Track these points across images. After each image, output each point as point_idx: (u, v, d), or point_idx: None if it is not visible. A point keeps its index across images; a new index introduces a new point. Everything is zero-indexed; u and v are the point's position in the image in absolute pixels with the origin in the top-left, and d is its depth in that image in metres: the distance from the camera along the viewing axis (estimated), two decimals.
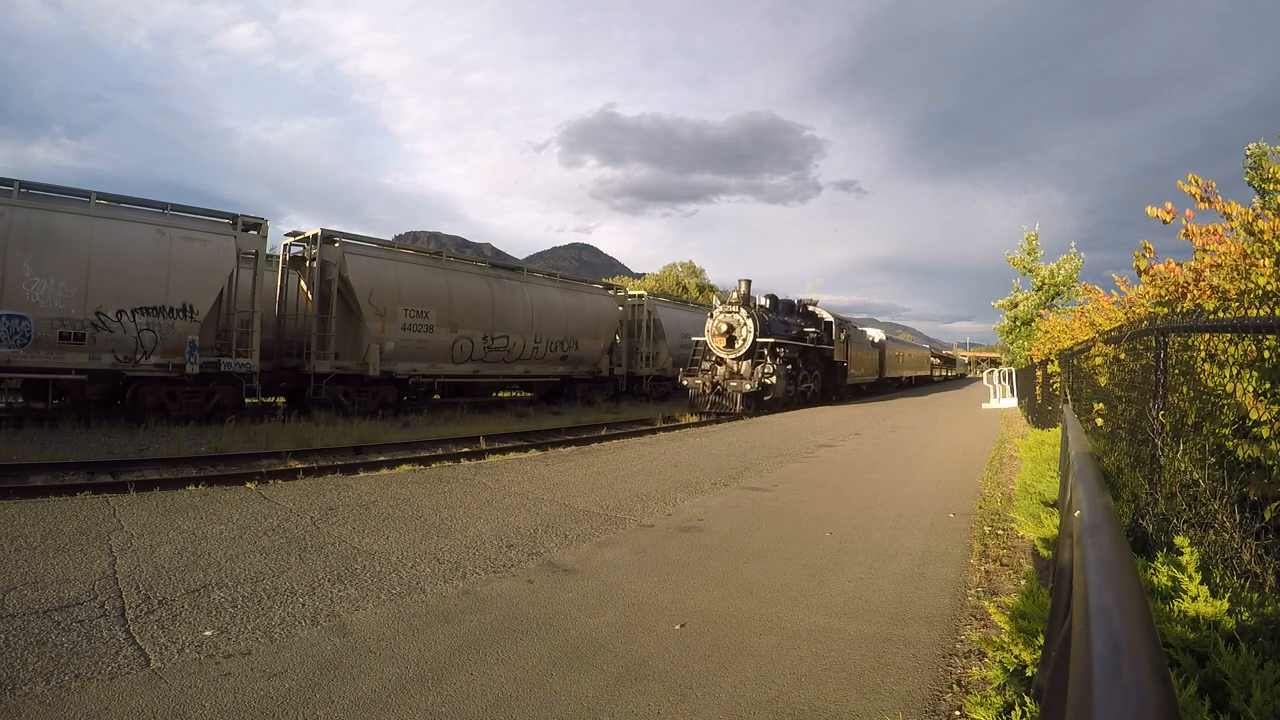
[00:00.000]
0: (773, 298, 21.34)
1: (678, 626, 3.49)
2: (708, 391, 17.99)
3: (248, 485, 6.56)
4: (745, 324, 18.54)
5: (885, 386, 34.46)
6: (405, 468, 8.09)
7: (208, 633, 3.20)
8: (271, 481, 6.79)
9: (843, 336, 24.91)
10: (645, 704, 2.71)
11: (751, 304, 19.45)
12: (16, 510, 5.18)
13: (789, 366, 19.54)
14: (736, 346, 18.63)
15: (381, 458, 9.06)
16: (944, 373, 69.64)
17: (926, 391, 38.12)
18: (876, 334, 34.63)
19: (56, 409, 11.79)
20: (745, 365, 18.39)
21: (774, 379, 17.96)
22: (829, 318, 24.20)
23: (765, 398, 18.14)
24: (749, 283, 19.98)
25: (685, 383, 18.55)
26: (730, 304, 19.25)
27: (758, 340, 18.39)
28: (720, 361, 18.81)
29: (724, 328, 18.75)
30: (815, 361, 22.29)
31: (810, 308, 23.80)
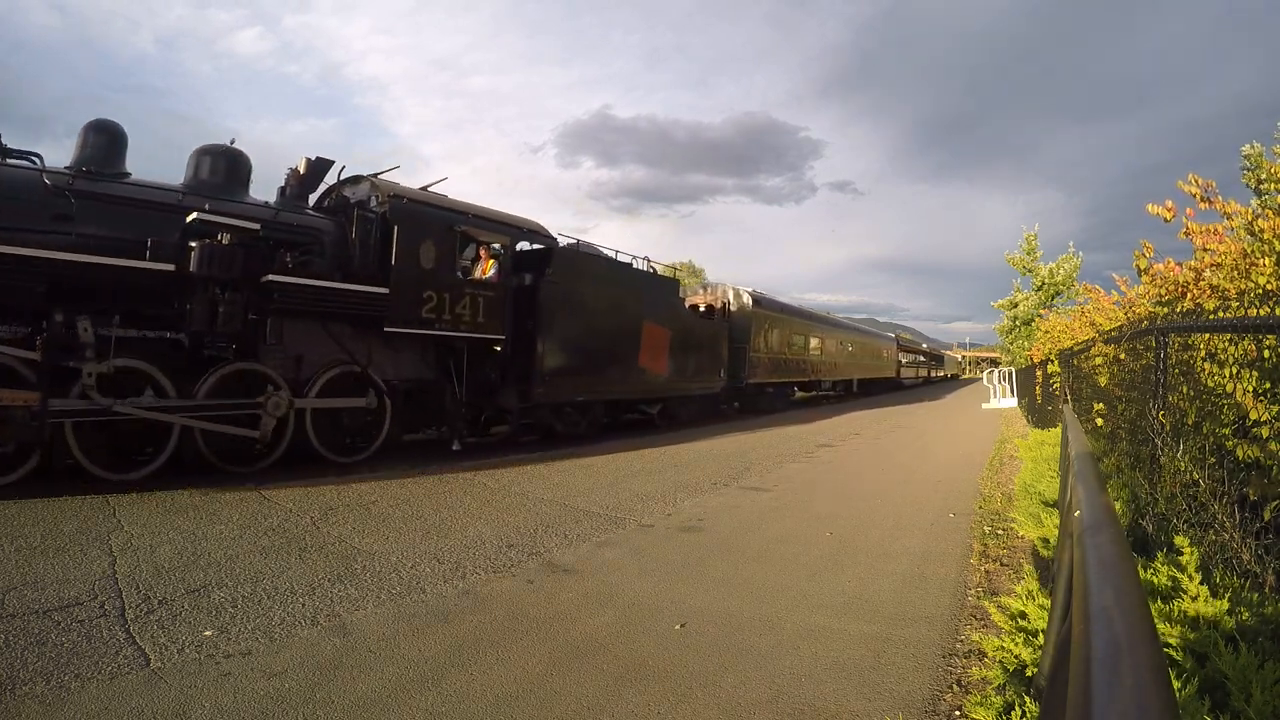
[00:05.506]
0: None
1: (678, 626, 3.49)
2: None
3: (247, 485, 6.55)
4: None
5: (758, 402, 17.96)
6: (404, 467, 8.08)
7: (208, 633, 3.20)
8: (271, 481, 6.78)
9: (463, 261, 9.12)
10: (646, 704, 2.71)
11: None
12: (16, 510, 5.18)
13: None
14: None
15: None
16: (923, 373, 48.04)
17: (841, 407, 20.96)
18: (732, 292, 17.41)
19: None
20: None
21: None
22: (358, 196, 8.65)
23: None
24: None
25: None
26: None
27: None
28: None
29: None
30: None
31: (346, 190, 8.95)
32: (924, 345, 62.19)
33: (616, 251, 12.15)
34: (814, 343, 22.19)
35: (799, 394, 23.19)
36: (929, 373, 51.45)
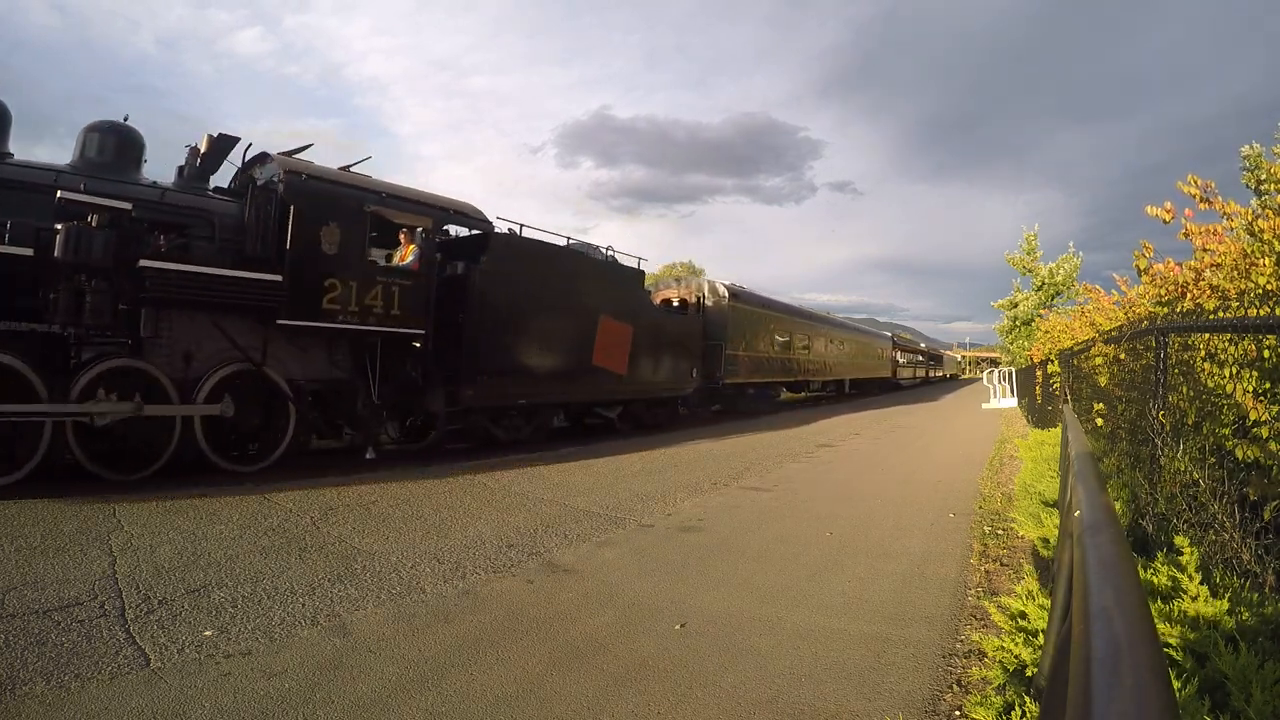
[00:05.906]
0: None
1: (678, 626, 3.49)
2: None
3: (247, 485, 6.55)
4: None
5: (737, 404, 17.35)
6: (404, 467, 8.08)
7: (208, 633, 3.20)
8: (271, 481, 6.78)
9: (388, 251, 8.95)
10: (645, 704, 2.71)
11: None
12: (16, 510, 5.17)
13: None
14: None
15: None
16: (921, 373, 47.52)
17: (840, 408, 19.71)
18: (708, 285, 16.43)
19: None
20: None
21: None
22: None
23: None
24: None
25: None
26: None
27: None
28: None
29: None
30: None
31: None
32: (922, 345, 60.87)
33: (569, 239, 10.97)
34: (800, 340, 20.73)
35: (786, 395, 22.15)
36: (927, 373, 50.21)
